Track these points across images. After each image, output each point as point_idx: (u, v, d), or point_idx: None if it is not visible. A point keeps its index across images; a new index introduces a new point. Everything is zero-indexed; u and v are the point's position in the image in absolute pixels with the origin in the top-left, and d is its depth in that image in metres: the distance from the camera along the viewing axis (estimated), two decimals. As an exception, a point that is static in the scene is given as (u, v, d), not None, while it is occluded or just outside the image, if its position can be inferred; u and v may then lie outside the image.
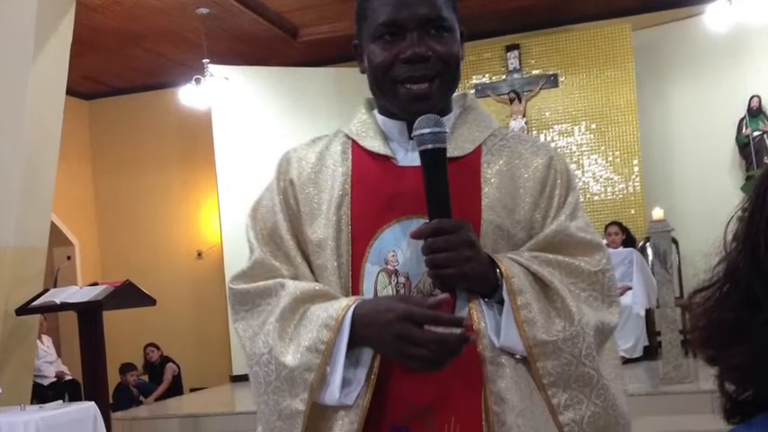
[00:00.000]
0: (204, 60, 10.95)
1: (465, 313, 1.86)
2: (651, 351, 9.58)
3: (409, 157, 1.95)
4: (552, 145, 10.15)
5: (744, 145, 11.01)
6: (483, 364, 1.84)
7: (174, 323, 12.33)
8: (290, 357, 1.82)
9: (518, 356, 1.86)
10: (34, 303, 7.13)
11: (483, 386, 1.84)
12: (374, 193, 1.94)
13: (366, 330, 1.79)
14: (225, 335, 11.10)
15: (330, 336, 1.79)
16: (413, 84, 1.89)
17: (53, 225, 8.50)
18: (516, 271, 1.84)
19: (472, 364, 1.84)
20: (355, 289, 1.91)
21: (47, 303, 7.10)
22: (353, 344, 1.81)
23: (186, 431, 7.93)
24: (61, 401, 7.12)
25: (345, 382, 1.81)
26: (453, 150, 1.92)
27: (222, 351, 11.47)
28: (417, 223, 1.86)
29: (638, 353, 9.38)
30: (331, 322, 1.80)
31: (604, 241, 8.12)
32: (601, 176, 11.31)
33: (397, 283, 1.90)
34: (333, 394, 1.81)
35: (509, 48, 11.67)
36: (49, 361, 11.05)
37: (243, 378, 9.13)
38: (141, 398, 11.35)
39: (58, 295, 7.17)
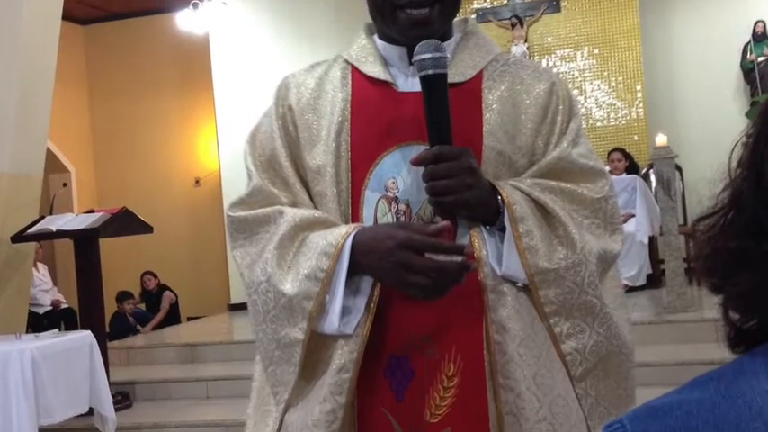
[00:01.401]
0: (202, -16, 10.81)
1: (466, 241, 1.84)
2: (654, 279, 9.59)
3: (409, 83, 1.91)
4: (554, 71, 10.04)
5: (748, 70, 10.93)
6: (484, 293, 1.82)
7: (171, 251, 12.38)
8: (289, 286, 1.81)
9: (520, 285, 1.84)
10: (30, 231, 7.11)
11: (484, 315, 1.82)
12: (374, 119, 1.91)
13: (366, 258, 1.77)
14: (223, 263, 11.14)
15: (329, 264, 1.77)
16: (413, 9, 1.85)
17: (49, 152, 8.44)
18: (518, 198, 1.82)
19: (473, 293, 1.82)
20: (355, 216, 1.89)
21: (42, 231, 7.08)
22: (353, 272, 1.79)
23: (184, 360, 7.96)
24: (57, 330, 7.14)
25: (345, 311, 1.80)
26: (454, 76, 1.89)
27: (220, 279, 11.53)
28: (418, 150, 1.83)
29: (642, 281, 9.39)
30: (330, 250, 1.78)
31: (607, 168, 8.14)
32: (603, 102, 11.23)
33: (398, 210, 1.88)
34: (332, 323, 1.80)
35: (510, -29, 11.51)
36: (45, 289, 11.09)
37: (241, 307, 9.16)
38: (138, 327, 11.39)
39: (53, 222, 7.14)
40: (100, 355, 6.02)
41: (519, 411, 1.79)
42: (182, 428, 6.64)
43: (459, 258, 1.73)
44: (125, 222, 7.21)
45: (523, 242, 1.80)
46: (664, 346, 6.99)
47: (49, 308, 11.03)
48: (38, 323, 9.70)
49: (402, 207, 1.88)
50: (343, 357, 1.81)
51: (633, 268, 9.21)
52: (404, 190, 1.87)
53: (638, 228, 9.11)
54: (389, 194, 1.88)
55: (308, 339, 1.81)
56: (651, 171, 9.48)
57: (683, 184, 10.09)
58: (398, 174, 1.88)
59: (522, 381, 1.79)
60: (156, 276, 11.94)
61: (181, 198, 12.84)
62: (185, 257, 12.57)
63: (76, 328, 7.54)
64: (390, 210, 1.88)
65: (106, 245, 7.53)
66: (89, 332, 6.09)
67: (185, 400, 7.25)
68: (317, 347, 1.84)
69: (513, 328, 1.81)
